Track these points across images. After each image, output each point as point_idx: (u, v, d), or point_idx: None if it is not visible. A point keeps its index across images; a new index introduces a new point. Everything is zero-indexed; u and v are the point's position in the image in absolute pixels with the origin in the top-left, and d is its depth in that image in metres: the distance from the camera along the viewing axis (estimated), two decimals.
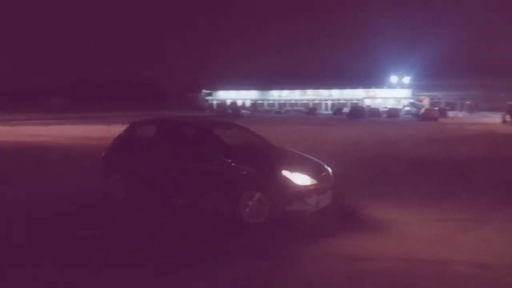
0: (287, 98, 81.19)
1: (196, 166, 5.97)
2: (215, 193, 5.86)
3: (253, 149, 6.45)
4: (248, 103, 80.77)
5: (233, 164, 5.78)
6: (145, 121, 7.63)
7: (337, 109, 63.31)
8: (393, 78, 74.85)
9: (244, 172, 5.69)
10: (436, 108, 52.06)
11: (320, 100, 78.09)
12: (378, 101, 70.73)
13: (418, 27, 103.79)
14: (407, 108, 59.60)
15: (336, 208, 6.21)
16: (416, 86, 71.98)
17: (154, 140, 6.58)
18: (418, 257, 4.57)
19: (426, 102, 65.86)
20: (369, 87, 75.17)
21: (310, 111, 63.23)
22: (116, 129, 8.26)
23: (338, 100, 75.38)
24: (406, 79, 73.58)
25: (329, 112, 68.14)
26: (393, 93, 74.14)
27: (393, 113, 52.26)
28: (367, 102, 70.23)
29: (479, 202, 6.97)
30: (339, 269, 4.23)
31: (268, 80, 78.92)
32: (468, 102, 67.97)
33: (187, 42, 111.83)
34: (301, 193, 5.57)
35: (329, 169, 6.27)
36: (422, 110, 48.75)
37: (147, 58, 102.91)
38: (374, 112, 53.60)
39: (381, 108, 58.31)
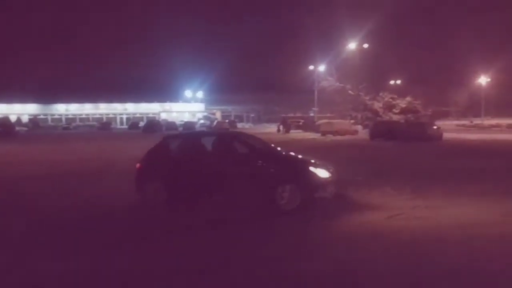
0: (76, 112, 73.63)
1: (231, 169, 7.26)
2: (251, 188, 7.17)
3: (272, 152, 8.04)
4: (25, 118, 68.96)
5: (264, 165, 7.31)
6: (177, 135, 9.66)
7: (133, 123, 61.03)
8: (188, 93, 77.79)
9: (276, 170, 7.24)
10: (227, 121, 56.59)
11: (115, 114, 73.99)
12: (174, 114, 72.07)
13: (209, 45, 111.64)
14: (202, 121, 62.80)
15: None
16: (209, 100, 76.88)
17: (189, 150, 7.91)
18: None
19: (218, 115, 71.01)
20: (165, 101, 75.88)
21: (104, 126, 58.96)
22: None
23: (134, 114, 73.12)
24: (200, 94, 77.67)
25: (125, 126, 65.22)
26: (188, 107, 77.01)
27: (189, 126, 53.94)
28: (164, 116, 70.57)
29: None
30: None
31: (52, 93, 69.68)
32: (252, 115, 76.84)
33: None
34: (323, 183, 7.24)
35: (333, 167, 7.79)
36: (215, 123, 52.16)
37: None
38: (171, 126, 54.06)
39: (178, 122, 59.48)
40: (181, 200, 7.43)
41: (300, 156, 8.13)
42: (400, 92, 46.04)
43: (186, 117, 68.15)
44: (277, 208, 6.92)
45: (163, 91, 72.99)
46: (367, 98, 43.30)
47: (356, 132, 35.35)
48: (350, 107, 45.69)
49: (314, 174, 7.23)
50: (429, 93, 52.10)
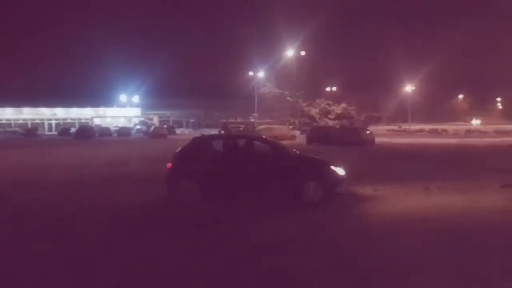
0: None
1: (261, 168, 8.10)
2: (280, 185, 8.02)
3: (296, 153, 8.94)
4: None
5: (291, 165, 8.18)
6: (206, 137, 10.55)
7: (63, 129, 57.01)
8: (123, 97, 74.68)
9: (302, 169, 8.19)
10: (165, 126, 55.04)
11: (42, 119, 68.78)
12: (108, 120, 68.73)
13: (146, 48, 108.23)
14: (138, 127, 60.50)
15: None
16: (146, 105, 74.38)
17: (220, 151, 8.39)
18: None
19: (156, 120, 68.86)
20: (98, 106, 72.16)
21: (29, 132, 54.42)
22: None
23: (64, 119, 68.58)
24: (136, 98, 74.90)
25: (54, 132, 60.84)
26: (124, 112, 73.90)
27: (124, 132, 51.72)
28: (97, 121, 67.00)
29: None
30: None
31: None
32: (192, 120, 75.60)
33: None
34: (341, 180, 8.30)
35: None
36: (152, 128, 50.45)
37: None
38: (105, 132, 51.43)
39: (112, 127, 56.76)
40: (215, 198, 7.98)
41: (318, 157, 9.34)
42: (335, 98, 48.01)
43: (122, 122, 65.33)
44: (303, 202, 7.84)
45: (97, 96, 69.43)
46: (305, 104, 44.54)
47: (294, 137, 36.06)
48: (288, 113, 46.68)
49: (334, 172, 8.33)
50: (362, 100, 54.87)
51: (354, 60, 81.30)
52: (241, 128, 46.58)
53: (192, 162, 8.35)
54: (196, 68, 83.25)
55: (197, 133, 58.11)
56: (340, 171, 8.46)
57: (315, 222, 6.78)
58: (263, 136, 11.31)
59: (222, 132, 41.68)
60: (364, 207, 7.89)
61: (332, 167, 8.39)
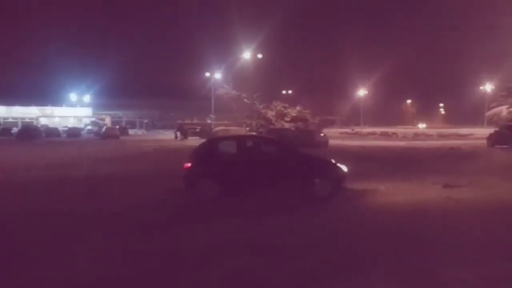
0: None
1: (276, 166, 8.89)
2: (293, 182, 8.78)
3: (306, 153, 9.70)
4: None
5: (303, 163, 9.01)
6: (222, 138, 12.83)
7: (3, 128, 53.22)
8: (73, 96, 71.32)
9: (312, 167, 9.09)
10: (117, 127, 53.09)
11: None
12: (57, 120, 65.26)
13: (99, 46, 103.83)
14: (89, 127, 57.93)
15: None
16: (97, 105, 71.42)
17: (236, 151, 9.16)
18: None
19: (108, 120, 66.26)
20: (45, 105, 68.34)
21: None
22: None
23: (5, 118, 64.26)
24: (87, 98, 71.77)
25: None
26: (74, 111, 70.55)
27: (74, 132, 49.22)
28: (44, 121, 63.39)
29: None
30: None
31: None
32: (145, 121, 73.56)
33: None
34: (345, 176, 9.23)
35: None
36: (104, 129, 48.42)
37: None
38: (52, 132, 48.66)
39: (61, 127, 53.90)
40: (232, 195, 8.48)
41: (324, 157, 10.35)
42: (291, 101, 48.64)
43: (71, 123, 62.26)
44: (312, 196, 8.64)
45: (43, 94, 65.64)
46: (261, 106, 44.68)
47: None
48: (245, 115, 46.64)
49: (341, 169, 9.25)
50: (317, 103, 56.04)
51: (310, 64, 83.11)
52: (197, 130, 45.96)
53: (209, 161, 8.90)
54: (151, 67, 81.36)
55: (151, 133, 56.82)
56: (344, 168, 9.40)
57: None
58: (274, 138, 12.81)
59: (178, 133, 40.87)
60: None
61: (339, 165, 9.39)
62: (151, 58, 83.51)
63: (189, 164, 8.79)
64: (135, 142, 33.93)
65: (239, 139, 10.19)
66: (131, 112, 71.74)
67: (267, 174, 8.72)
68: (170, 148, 26.69)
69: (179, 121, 57.01)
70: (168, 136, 44.16)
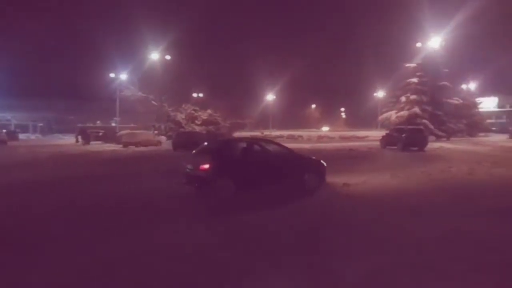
0: None
1: (280, 164, 10.13)
2: (291, 177, 10.23)
3: (297, 152, 11.29)
4: None
5: (296, 160, 10.59)
6: (234, 139, 14.37)
7: None
8: None
9: (303, 164, 10.72)
10: (5, 131, 47.31)
11: None
12: None
13: None
14: None
15: None
16: None
17: (247, 152, 10.14)
18: None
19: None
20: None
21: None
22: None
23: None
24: None
25: None
26: None
27: None
28: None
29: None
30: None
31: None
32: (41, 124, 66.74)
33: None
34: (326, 170, 11.16)
35: None
36: None
37: None
38: None
39: None
40: (246, 191, 9.49)
41: (313, 157, 11.87)
42: (202, 104, 48.11)
43: None
44: (304, 187, 10.06)
45: None
46: (171, 109, 43.43)
47: (159, 143, 34.73)
48: (153, 118, 44.92)
49: (323, 165, 10.92)
50: (228, 106, 56.20)
51: (220, 68, 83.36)
52: (101, 134, 42.92)
53: (225, 162, 9.52)
54: (50, 65, 73.99)
55: (48, 138, 51.56)
56: (324, 164, 11.03)
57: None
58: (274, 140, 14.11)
59: (79, 137, 37.73)
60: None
61: (322, 161, 11.07)
62: (50, 55, 76.02)
63: (206, 165, 9.22)
64: (28, 148, 30.40)
65: (247, 141, 11.07)
66: (24, 114, 64.49)
67: (273, 171, 9.84)
68: (69, 153, 24.42)
69: (80, 125, 52.81)
70: (67, 140, 40.53)
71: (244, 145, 10.46)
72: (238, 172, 9.50)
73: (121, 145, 32.20)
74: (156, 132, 41.73)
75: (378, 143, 28.49)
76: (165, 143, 34.62)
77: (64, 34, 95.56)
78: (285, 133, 57.42)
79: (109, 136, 40.34)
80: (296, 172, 10.25)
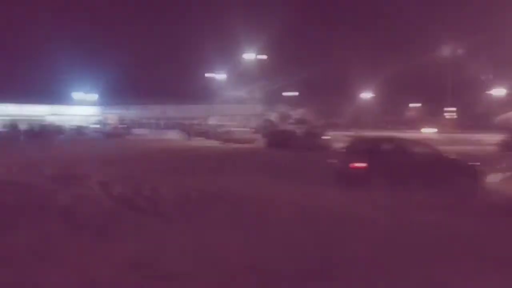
0: None
1: (434, 167, 10.14)
2: (445, 178, 9.95)
3: (445, 153, 11.37)
4: None
5: (446, 164, 10.54)
6: (384, 139, 12.97)
7: (12, 126, 53.74)
8: (79, 95, 71.98)
9: (458, 165, 10.82)
10: (123, 126, 53.73)
11: None
12: (64, 118, 65.95)
13: (100, 45, 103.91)
14: (96, 126, 58.56)
15: None
16: (104, 104, 72.10)
17: (393, 152, 10.63)
18: None
19: (114, 119, 66.78)
20: (53, 104, 69.07)
21: None
22: None
23: (15, 116, 64.95)
24: (93, 97, 72.40)
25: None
26: (80, 110, 71.27)
27: (80, 131, 50.02)
28: (51, 119, 64.06)
29: None
30: None
31: None
32: (152, 121, 74.08)
33: None
34: (483, 174, 10.79)
35: None
36: (110, 128, 49.11)
37: None
38: (59, 130, 49.50)
39: (68, 126, 54.62)
40: (396, 188, 9.30)
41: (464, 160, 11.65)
42: (295, 103, 48.97)
43: (78, 121, 62.86)
44: (456, 193, 9.40)
45: (50, 93, 66.24)
46: (265, 108, 45.14)
47: (254, 140, 36.43)
48: (249, 117, 47.08)
49: (480, 169, 10.57)
50: (321, 106, 56.16)
51: (315, 66, 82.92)
52: (202, 131, 46.48)
53: (378, 161, 10.04)
54: (156, 70, 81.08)
55: (157, 133, 56.98)
56: (480, 167, 10.83)
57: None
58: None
59: (184, 133, 41.54)
60: None
61: (477, 165, 10.81)
62: (159, 60, 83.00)
63: (363, 164, 9.94)
64: (140, 142, 34.46)
65: (398, 142, 11.59)
66: (137, 111, 72.19)
67: (425, 174, 9.92)
68: (177, 148, 27.29)
69: (186, 122, 57.57)
70: (172, 136, 44.70)
71: (394, 145, 10.95)
72: (390, 172, 9.85)
73: (220, 142, 34.64)
74: (252, 130, 43.76)
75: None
76: (260, 141, 36.19)
77: (169, 41, 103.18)
78: (379, 134, 54.99)
79: (210, 133, 43.50)
80: (446, 176, 10.03)
